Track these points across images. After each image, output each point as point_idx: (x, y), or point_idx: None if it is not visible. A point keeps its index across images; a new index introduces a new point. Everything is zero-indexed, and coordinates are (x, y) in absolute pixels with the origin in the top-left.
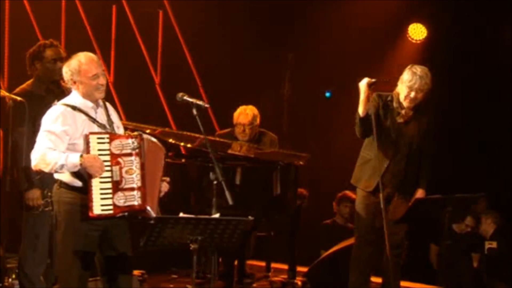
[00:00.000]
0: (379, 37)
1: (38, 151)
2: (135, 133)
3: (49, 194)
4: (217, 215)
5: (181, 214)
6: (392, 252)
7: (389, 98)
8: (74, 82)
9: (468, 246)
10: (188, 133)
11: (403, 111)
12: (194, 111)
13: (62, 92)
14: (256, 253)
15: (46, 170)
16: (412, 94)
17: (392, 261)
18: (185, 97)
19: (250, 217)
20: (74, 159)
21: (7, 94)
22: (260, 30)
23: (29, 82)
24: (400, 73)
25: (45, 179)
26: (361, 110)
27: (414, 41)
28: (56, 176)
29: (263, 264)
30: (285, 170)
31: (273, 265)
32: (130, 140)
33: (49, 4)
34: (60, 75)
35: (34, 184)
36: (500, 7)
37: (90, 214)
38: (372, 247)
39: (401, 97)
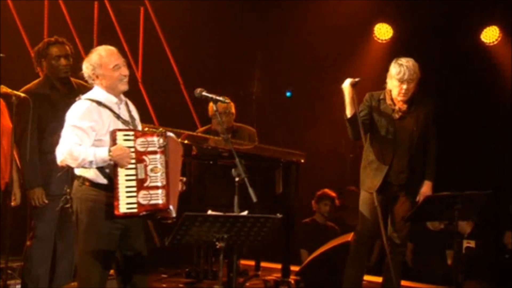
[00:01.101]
0: (346, 37)
1: (64, 146)
2: (160, 130)
3: (68, 191)
4: (244, 213)
5: (209, 212)
6: (395, 250)
7: (381, 97)
8: (97, 77)
9: (442, 244)
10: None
11: (397, 107)
12: (214, 107)
13: (70, 89)
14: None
15: (73, 165)
16: (404, 86)
17: (394, 259)
18: (204, 93)
19: (278, 215)
20: (102, 154)
21: (9, 90)
22: (231, 29)
23: (35, 81)
24: (367, 72)
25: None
26: (348, 111)
27: (380, 41)
28: (78, 173)
29: (252, 263)
30: (287, 168)
31: (262, 264)
32: (155, 138)
33: (32, 2)
34: (66, 72)
35: (37, 182)
36: (463, 7)
37: (116, 212)
38: (369, 246)
39: (394, 93)
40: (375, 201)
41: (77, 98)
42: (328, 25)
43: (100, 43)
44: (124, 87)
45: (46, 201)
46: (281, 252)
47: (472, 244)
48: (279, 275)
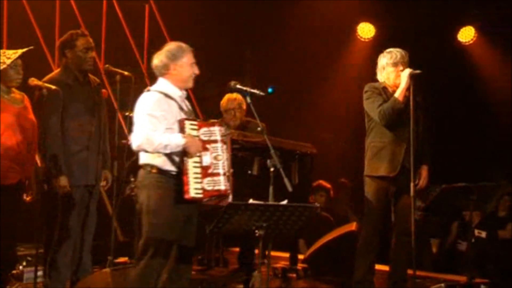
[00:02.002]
0: (331, 36)
1: (141, 133)
2: (219, 121)
3: (133, 179)
4: (284, 202)
5: (250, 201)
6: (402, 239)
7: (382, 87)
8: (175, 68)
9: (427, 233)
10: None
11: None
12: (248, 99)
13: (88, 83)
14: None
15: (150, 150)
16: (401, 68)
17: (402, 248)
18: (238, 86)
19: (316, 204)
20: (177, 140)
21: (40, 83)
22: (223, 26)
23: (56, 70)
24: (351, 69)
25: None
26: (400, 98)
27: (363, 40)
28: (145, 161)
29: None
30: (302, 160)
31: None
32: (216, 128)
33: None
34: (90, 65)
35: (62, 171)
36: (441, 8)
37: (186, 196)
38: (379, 236)
39: (391, 80)
40: (389, 188)
41: (145, 90)
42: (314, 24)
43: (108, 39)
44: (191, 83)
45: (69, 189)
46: (288, 241)
47: (483, 234)
48: (286, 263)
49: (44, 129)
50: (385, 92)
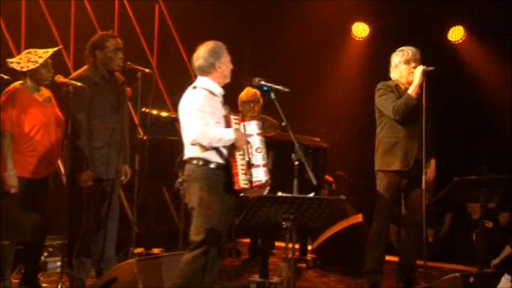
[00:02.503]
0: (327, 35)
1: (195, 128)
2: (256, 115)
3: (181, 173)
4: (311, 195)
5: (279, 193)
6: (412, 230)
7: (394, 85)
8: (213, 68)
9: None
10: None
11: None
12: (272, 95)
13: (114, 81)
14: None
15: (204, 143)
16: (413, 65)
17: (411, 239)
18: (262, 82)
19: (342, 196)
20: (228, 134)
21: (66, 80)
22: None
23: (84, 68)
24: (346, 67)
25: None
26: (414, 94)
27: (357, 39)
28: (194, 154)
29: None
30: (316, 154)
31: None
32: (255, 122)
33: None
34: (118, 65)
35: (86, 166)
36: (431, 8)
37: (236, 187)
38: (389, 229)
39: (404, 77)
40: (401, 182)
41: (191, 87)
42: (310, 24)
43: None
44: (229, 79)
45: (92, 183)
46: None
47: (490, 224)
48: (296, 253)
49: (70, 125)
50: (397, 90)
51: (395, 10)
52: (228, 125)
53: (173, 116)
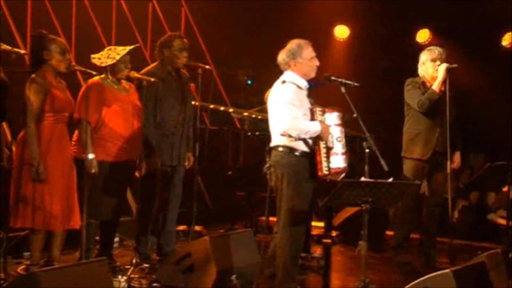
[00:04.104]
0: (312, 36)
1: (286, 120)
2: (335, 107)
3: (268, 159)
4: (390, 180)
5: (362, 179)
6: (434, 210)
7: (420, 81)
8: (295, 64)
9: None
10: None
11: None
12: (343, 89)
13: (179, 77)
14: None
15: (294, 135)
16: (437, 63)
17: (433, 219)
18: (333, 77)
19: (417, 181)
20: (315, 126)
21: (139, 75)
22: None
23: (153, 64)
24: (330, 65)
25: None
26: (437, 90)
27: (339, 40)
28: (282, 143)
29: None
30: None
31: None
32: (336, 113)
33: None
34: (183, 62)
35: (154, 152)
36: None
37: (320, 173)
38: (416, 210)
39: (429, 74)
40: (424, 167)
41: (281, 82)
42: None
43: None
44: (314, 74)
45: (159, 168)
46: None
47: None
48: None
49: (144, 117)
50: (423, 86)
51: (371, 13)
52: (313, 117)
53: (230, 110)
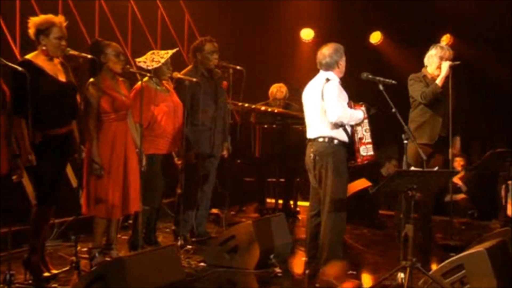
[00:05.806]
0: (281, 39)
1: (337, 110)
2: (360, 103)
3: (311, 149)
4: (435, 169)
5: (412, 168)
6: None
7: (421, 75)
8: (337, 64)
9: None
10: None
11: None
12: (381, 87)
13: (212, 77)
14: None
15: (345, 121)
16: (442, 61)
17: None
18: (370, 76)
19: (457, 169)
20: (360, 114)
21: (182, 76)
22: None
23: (188, 67)
24: (297, 64)
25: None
26: (441, 84)
27: (305, 41)
28: (326, 134)
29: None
30: None
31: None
32: (363, 107)
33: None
34: (214, 64)
35: (191, 147)
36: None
37: (359, 161)
38: None
39: (432, 69)
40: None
41: (324, 79)
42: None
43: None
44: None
45: (196, 161)
46: None
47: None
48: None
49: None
50: (424, 79)
51: (333, 16)
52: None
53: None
